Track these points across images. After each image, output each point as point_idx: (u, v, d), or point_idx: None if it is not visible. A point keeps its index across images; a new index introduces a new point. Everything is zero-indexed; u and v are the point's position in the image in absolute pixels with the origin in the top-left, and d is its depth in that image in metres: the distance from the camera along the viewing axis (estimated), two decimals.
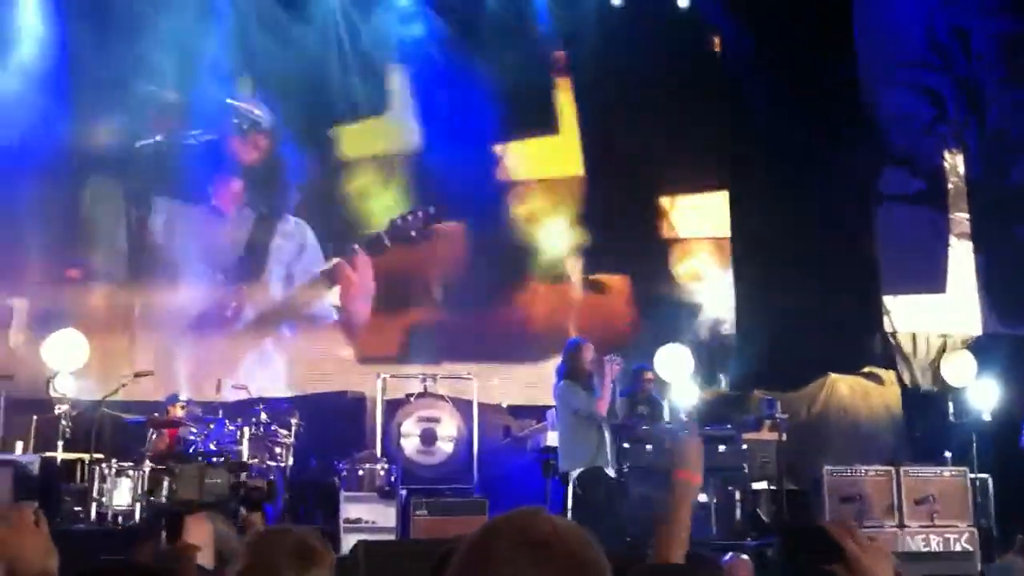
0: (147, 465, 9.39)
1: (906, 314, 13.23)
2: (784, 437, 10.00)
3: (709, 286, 13.25)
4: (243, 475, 3.98)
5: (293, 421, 10.24)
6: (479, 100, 12.57)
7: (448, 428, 11.21)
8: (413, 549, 8.24)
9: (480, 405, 11.35)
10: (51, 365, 10.83)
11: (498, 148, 13.24)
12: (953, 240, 13.64)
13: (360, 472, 9.71)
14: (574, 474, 8.59)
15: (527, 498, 10.55)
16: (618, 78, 12.85)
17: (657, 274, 13.21)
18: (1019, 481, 10.29)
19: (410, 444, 11.08)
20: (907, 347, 13.10)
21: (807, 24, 12.89)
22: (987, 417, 11.13)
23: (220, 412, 10.34)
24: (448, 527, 8.83)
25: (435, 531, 9.02)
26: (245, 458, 9.40)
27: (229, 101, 12.73)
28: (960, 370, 11.93)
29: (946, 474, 9.62)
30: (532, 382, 12.01)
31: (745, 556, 6.22)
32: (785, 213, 12.49)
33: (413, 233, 12.59)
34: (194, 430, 9.94)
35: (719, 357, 12.38)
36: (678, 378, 11.21)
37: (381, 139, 13.20)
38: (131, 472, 9.34)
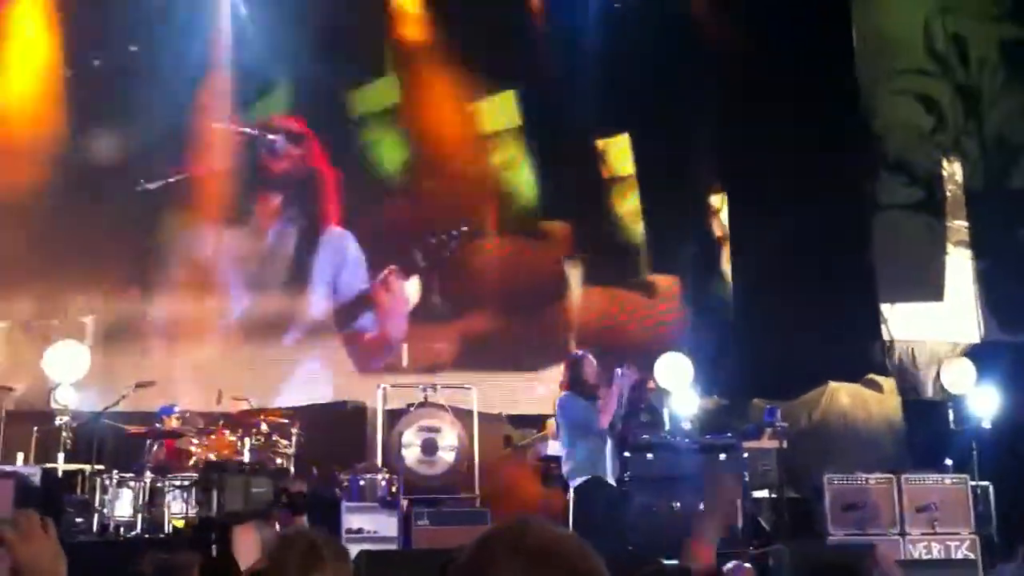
0: (148, 476, 9.41)
1: (903, 322, 13.23)
2: (785, 445, 10.00)
3: None
4: (284, 481, 4.00)
5: (293, 431, 10.25)
6: None
7: (449, 438, 11.21)
8: (415, 559, 8.24)
9: (480, 415, 11.37)
10: (52, 377, 10.84)
11: None
12: (951, 248, 13.65)
13: (361, 482, 9.71)
14: (575, 484, 8.59)
15: (528, 507, 10.57)
16: (614, 80, 12.89)
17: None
18: (1020, 488, 10.30)
19: (411, 454, 11.08)
20: (905, 355, 13.11)
21: (806, 31, 12.91)
22: (987, 424, 11.12)
23: (220, 422, 10.35)
24: (450, 536, 8.84)
25: (437, 540, 9.03)
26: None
27: (246, 130, 12.80)
28: (960, 377, 11.93)
29: (947, 481, 9.62)
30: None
31: (748, 565, 6.21)
32: (783, 220, 12.50)
33: (447, 254, 12.65)
34: (195, 441, 9.95)
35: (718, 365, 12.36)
36: (678, 387, 11.22)
37: None
38: (132, 483, 9.35)
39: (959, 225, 13.68)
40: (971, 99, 13.95)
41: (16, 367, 11.38)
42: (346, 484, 9.71)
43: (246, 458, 9.66)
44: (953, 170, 13.85)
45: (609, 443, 8.71)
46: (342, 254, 12.91)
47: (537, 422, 11.25)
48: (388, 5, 13.20)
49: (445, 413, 11.29)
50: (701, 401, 11.47)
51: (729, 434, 10.24)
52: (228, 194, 12.66)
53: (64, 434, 9.90)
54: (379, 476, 9.82)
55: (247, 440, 9.88)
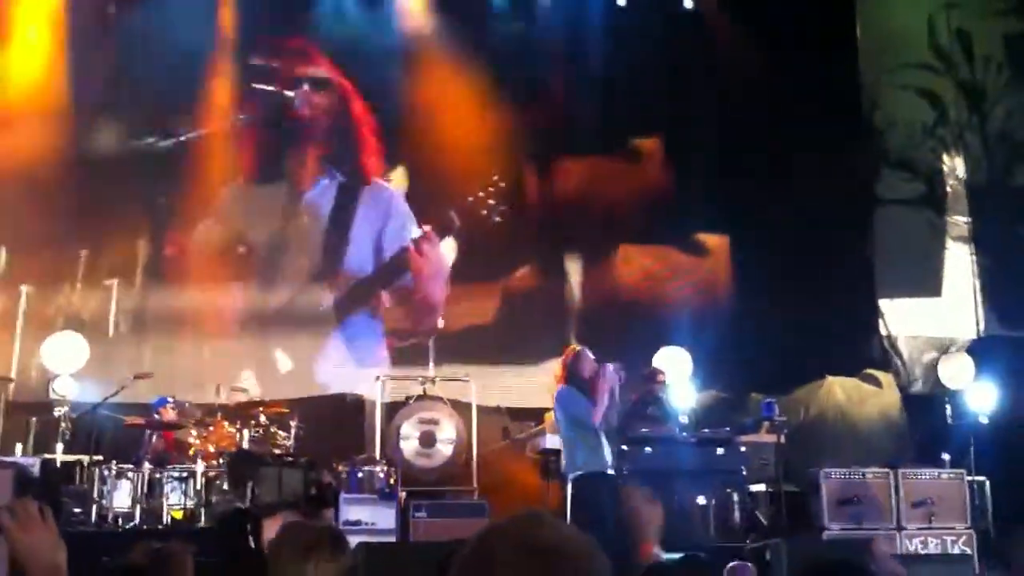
0: (146, 468, 9.43)
1: (902, 317, 13.24)
2: (782, 439, 10.01)
3: None
4: (315, 474, 4.03)
5: (292, 423, 10.27)
6: None
7: (447, 430, 11.22)
8: (414, 551, 8.26)
9: (479, 407, 11.38)
10: (51, 367, 10.85)
11: None
12: (950, 243, 13.65)
13: (359, 474, 9.73)
14: (574, 476, 8.60)
15: (526, 500, 10.59)
16: (617, 75, 12.87)
17: None
18: (1017, 484, 10.31)
19: (409, 446, 11.10)
20: (903, 350, 13.12)
21: (810, 25, 12.91)
22: (985, 420, 11.14)
23: (219, 414, 10.37)
24: (448, 529, 8.86)
25: (435, 533, 9.04)
26: None
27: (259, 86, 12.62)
28: (958, 372, 11.95)
29: (944, 476, 9.63)
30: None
31: (750, 564, 6.23)
32: (783, 214, 12.51)
33: (491, 216, 12.39)
34: (194, 432, 9.96)
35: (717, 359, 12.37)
36: (677, 380, 11.22)
37: None
38: (131, 474, 9.37)
39: (959, 220, 13.69)
40: (974, 95, 13.94)
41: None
42: (344, 476, 9.73)
43: (246, 446, 9.69)
44: (954, 165, 13.85)
45: (604, 437, 8.70)
46: (386, 209, 12.64)
47: (536, 415, 11.26)
48: None
49: (443, 406, 11.31)
50: (700, 395, 11.48)
51: (727, 428, 10.25)
52: (249, 154, 12.54)
53: (63, 425, 9.90)
54: (377, 468, 9.84)
55: (246, 432, 9.90)
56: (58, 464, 9.80)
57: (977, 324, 13.33)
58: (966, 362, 12.07)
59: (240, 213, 12.55)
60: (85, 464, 9.73)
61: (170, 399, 10.28)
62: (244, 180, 12.62)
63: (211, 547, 5.71)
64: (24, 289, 11.71)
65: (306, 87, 12.68)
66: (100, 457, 9.63)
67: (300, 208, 12.69)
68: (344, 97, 12.81)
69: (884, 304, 13.17)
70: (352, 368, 12.24)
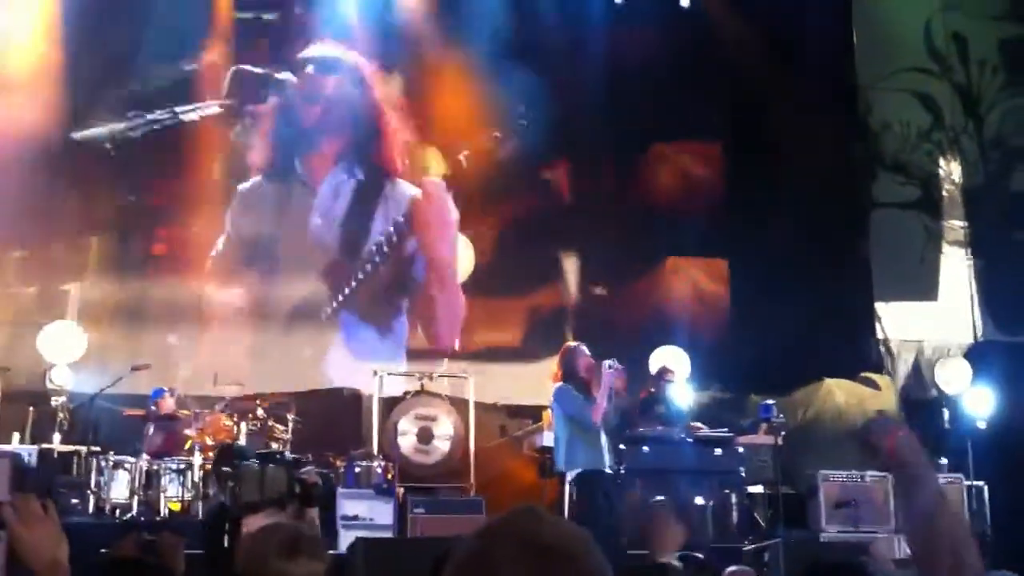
0: (144, 459, 9.43)
1: (898, 321, 13.23)
2: (780, 441, 10.01)
3: None
4: (299, 472, 3.99)
5: (290, 417, 10.26)
6: None
7: (445, 427, 11.21)
8: (411, 546, 8.26)
9: (476, 404, 11.37)
10: (48, 357, 10.83)
11: None
12: (946, 247, 13.64)
13: (357, 469, 9.73)
14: (571, 475, 8.59)
15: (523, 498, 10.58)
16: (616, 74, 12.85)
17: None
18: (1014, 488, 10.31)
19: (407, 442, 11.08)
20: (900, 353, 13.11)
21: (806, 27, 12.89)
22: (982, 424, 11.14)
23: (217, 407, 10.35)
24: (445, 525, 8.86)
25: (432, 529, 9.05)
26: None
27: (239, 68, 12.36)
28: (955, 377, 11.94)
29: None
30: None
31: (749, 568, 6.22)
32: (779, 217, 12.50)
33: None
34: (191, 424, 9.95)
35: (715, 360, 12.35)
36: (675, 381, 11.20)
37: None
38: (128, 465, 9.36)
39: (955, 225, 13.67)
40: (970, 99, 13.93)
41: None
42: (342, 471, 9.72)
43: (242, 441, 9.67)
44: (950, 169, 13.84)
45: (603, 435, 8.70)
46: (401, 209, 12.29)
47: (534, 413, 11.25)
48: None
49: (441, 402, 11.29)
50: (698, 395, 11.47)
51: (725, 429, 10.24)
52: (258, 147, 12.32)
53: (60, 415, 9.89)
54: (375, 463, 9.84)
55: (243, 425, 9.89)
56: (55, 454, 9.79)
57: (974, 329, 13.32)
58: (963, 367, 12.06)
59: (242, 205, 12.49)
60: (82, 454, 9.72)
61: (167, 390, 10.27)
62: (252, 172, 12.48)
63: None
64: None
65: (310, 69, 12.32)
66: (97, 448, 9.62)
67: (309, 203, 12.49)
68: (362, 82, 12.45)
69: (880, 308, 13.15)
70: (350, 362, 12.21)
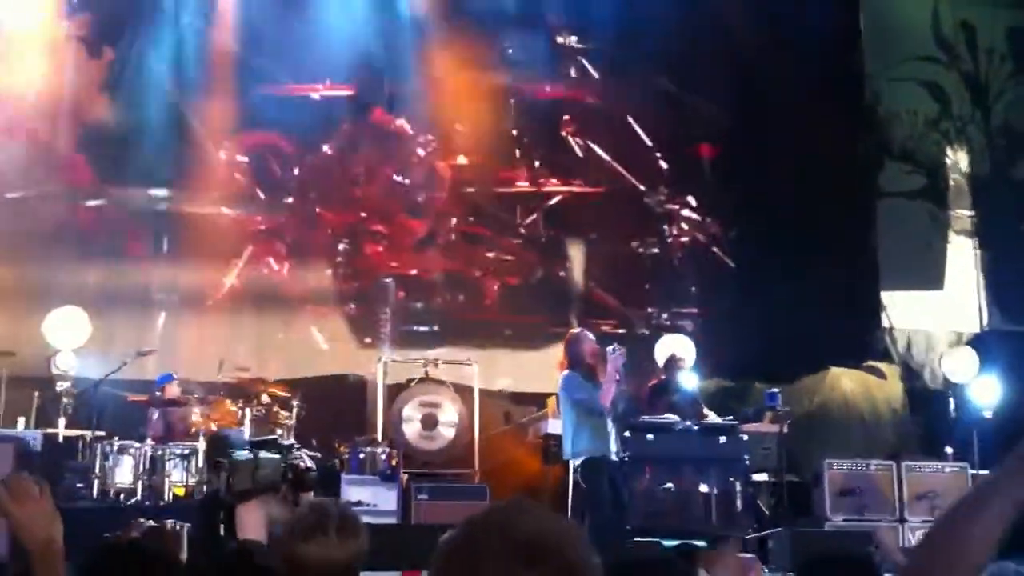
0: (148, 444, 9.44)
1: (903, 310, 13.20)
2: (785, 429, 10.00)
3: None
4: (291, 457, 3.98)
5: (294, 403, 10.26)
6: None
7: (449, 413, 11.22)
8: (415, 533, 8.26)
9: (481, 391, 11.36)
10: (52, 343, 10.83)
11: None
12: (953, 236, 13.61)
13: (361, 455, 9.74)
14: (576, 463, 8.58)
15: (527, 485, 10.60)
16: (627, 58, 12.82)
17: None
18: None
19: (411, 428, 11.08)
20: (906, 343, 13.09)
21: (814, 15, 12.84)
22: (988, 414, 11.12)
23: (221, 392, 10.36)
24: (449, 512, 8.86)
25: (436, 516, 9.05)
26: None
27: None
28: (962, 366, 11.93)
29: (947, 469, 9.64)
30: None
31: (753, 555, 6.22)
32: (784, 205, 12.47)
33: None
34: (196, 410, 9.96)
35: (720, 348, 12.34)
36: (685, 368, 11.18)
37: None
38: (133, 450, 9.37)
39: (962, 214, 13.64)
40: (977, 88, 13.87)
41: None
42: (346, 457, 9.73)
43: (247, 428, 9.68)
44: (957, 159, 13.81)
45: (610, 422, 8.69)
46: None
47: (538, 400, 11.25)
48: None
49: (446, 389, 11.29)
50: (703, 383, 11.44)
51: (730, 417, 10.22)
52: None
53: (65, 400, 9.90)
54: (379, 450, 9.85)
55: (248, 410, 9.89)
56: (60, 439, 9.80)
57: (980, 318, 13.29)
58: (969, 356, 12.04)
59: (244, 190, 12.52)
60: (87, 439, 9.73)
61: (175, 375, 10.28)
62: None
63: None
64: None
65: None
66: (102, 433, 9.63)
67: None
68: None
69: (886, 297, 13.12)
70: (354, 348, 12.23)
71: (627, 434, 9.27)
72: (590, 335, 8.99)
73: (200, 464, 9.29)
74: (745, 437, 9.82)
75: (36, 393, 10.37)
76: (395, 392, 11.31)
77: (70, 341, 10.82)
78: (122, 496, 9.27)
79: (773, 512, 9.75)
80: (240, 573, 3.26)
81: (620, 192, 13.02)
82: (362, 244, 12.65)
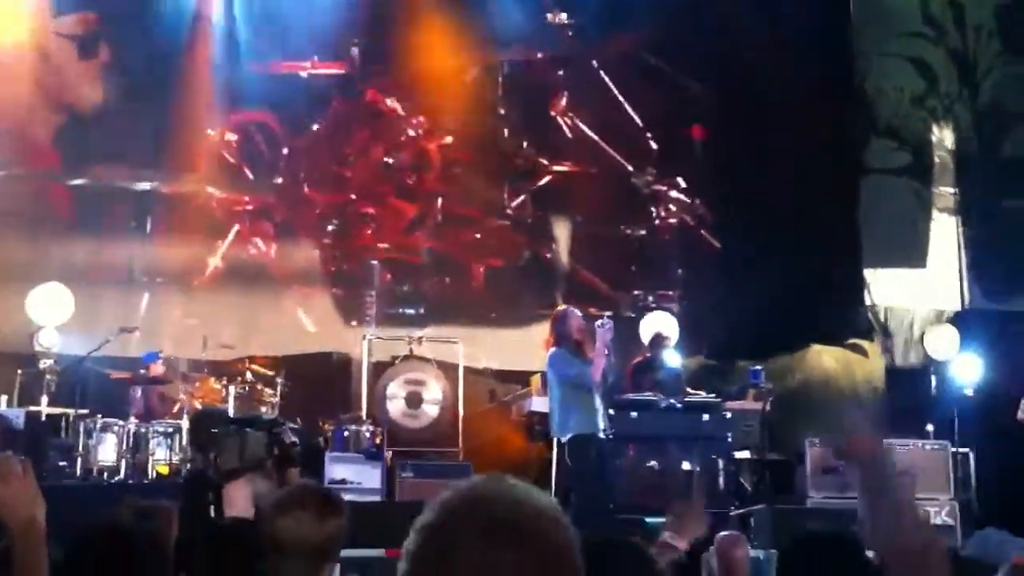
0: (132, 422, 9.43)
1: (886, 287, 13.23)
2: (768, 407, 10.04)
3: None
4: (277, 434, 3.99)
5: (279, 380, 10.26)
6: None
7: (433, 391, 11.23)
8: (399, 510, 8.28)
9: (465, 369, 11.37)
10: (36, 319, 10.79)
11: None
12: (936, 214, 13.62)
13: (345, 433, 9.74)
14: (564, 439, 8.58)
15: (511, 462, 10.62)
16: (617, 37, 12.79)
17: None
18: (1000, 455, 10.38)
19: (395, 406, 11.10)
20: (888, 320, 13.13)
21: None
22: (969, 392, 11.19)
23: (205, 370, 10.34)
24: (433, 489, 8.72)
25: (420, 493, 9.05)
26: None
27: None
28: (943, 344, 11.98)
29: (927, 447, 9.68)
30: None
31: (739, 533, 6.25)
32: (769, 181, 12.47)
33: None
34: (180, 387, 9.95)
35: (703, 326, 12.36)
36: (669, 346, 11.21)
37: None
38: (116, 428, 9.36)
39: (946, 191, 13.65)
40: (966, 65, 13.86)
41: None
42: (330, 434, 9.73)
43: (231, 406, 9.67)
44: (943, 136, 13.80)
45: (598, 399, 8.69)
46: None
47: (523, 378, 11.26)
48: None
49: (430, 366, 11.30)
50: (686, 361, 11.48)
51: (713, 394, 10.25)
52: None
53: (48, 377, 9.86)
54: (363, 427, 9.86)
55: (232, 388, 9.89)
56: (43, 417, 9.77)
57: (962, 296, 13.33)
58: (951, 334, 12.10)
59: (232, 169, 12.46)
60: (70, 417, 9.70)
61: (160, 354, 10.25)
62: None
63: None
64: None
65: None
66: (86, 411, 9.61)
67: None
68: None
69: (869, 274, 13.14)
70: (340, 326, 12.20)
71: (611, 411, 9.30)
72: (577, 312, 8.99)
73: (184, 442, 9.29)
74: (728, 415, 9.88)
75: (19, 370, 10.32)
76: (380, 370, 11.32)
77: (53, 318, 10.78)
78: (105, 474, 9.27)
79: (755, 489, 9.80)
80: (231, 551, 3.28)
81: (608, 172, 12.98)
82: (351, 226, 12.60)
